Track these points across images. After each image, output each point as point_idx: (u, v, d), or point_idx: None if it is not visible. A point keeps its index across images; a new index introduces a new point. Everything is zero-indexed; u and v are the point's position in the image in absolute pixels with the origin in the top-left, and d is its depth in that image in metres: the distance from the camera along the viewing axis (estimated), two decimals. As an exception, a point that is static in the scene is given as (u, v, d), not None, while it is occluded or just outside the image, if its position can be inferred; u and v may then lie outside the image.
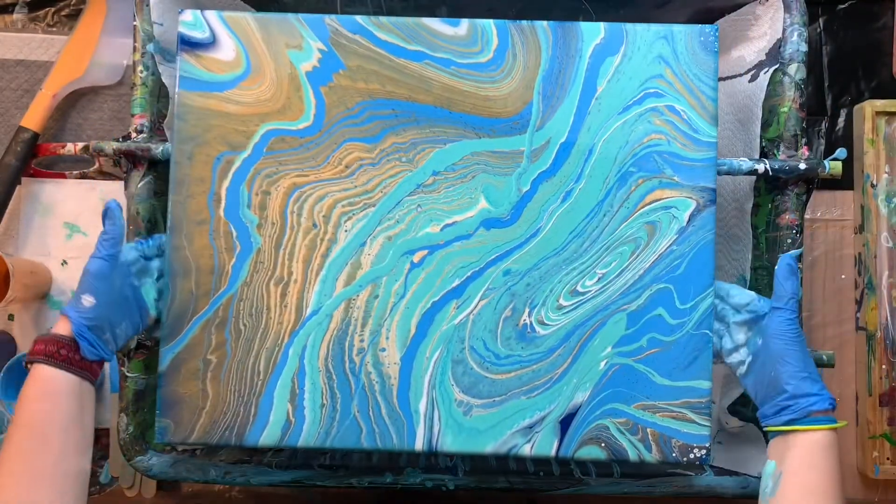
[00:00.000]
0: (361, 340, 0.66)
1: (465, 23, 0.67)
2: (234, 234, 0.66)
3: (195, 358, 0.65)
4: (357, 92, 0.67)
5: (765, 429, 0.61)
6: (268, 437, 0.65)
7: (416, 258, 0.66)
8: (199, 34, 0.67)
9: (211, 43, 0.67)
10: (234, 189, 0.66)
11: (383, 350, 0.66)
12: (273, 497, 0.86)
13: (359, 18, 0.67)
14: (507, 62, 0.67)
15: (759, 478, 0.68)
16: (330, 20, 0.67)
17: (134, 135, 0.71)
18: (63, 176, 0.88)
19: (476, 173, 0.66)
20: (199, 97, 0.66)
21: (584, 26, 0.67)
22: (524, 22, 0.67)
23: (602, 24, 0.67)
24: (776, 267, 0.63)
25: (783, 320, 0.61)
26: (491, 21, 0.67)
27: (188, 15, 0.67)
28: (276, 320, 0.66)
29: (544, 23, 0.67)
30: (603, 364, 0.65)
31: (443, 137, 0.67)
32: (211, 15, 0.67)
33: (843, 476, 0.82)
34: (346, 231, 0.66)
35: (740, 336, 0.64)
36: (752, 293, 0.64)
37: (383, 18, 0.67)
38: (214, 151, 0.66)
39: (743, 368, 0.64)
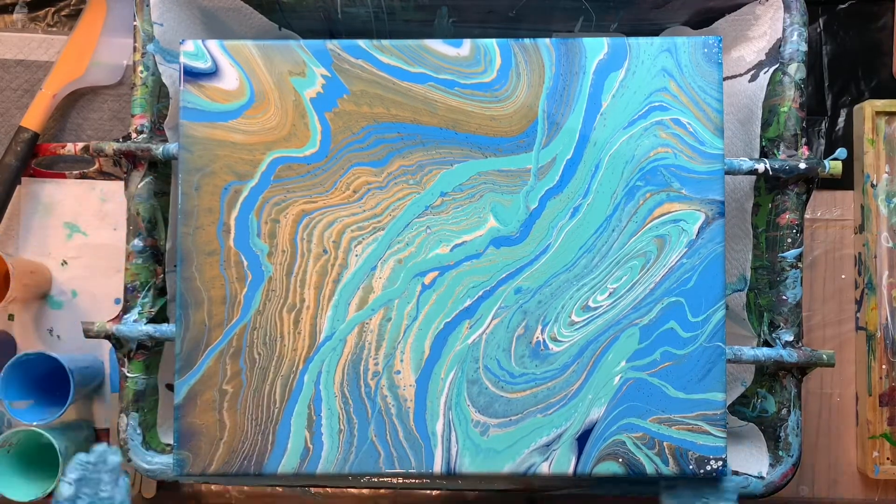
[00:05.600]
0: (376, 364, 0.66)
1: (467, 43, 0.67)
2: (245, 263, 0.66)
3: (211, 389, 0.65)
4: (362, 116, 0.66)
5: None
6: (286, 464, 0.65)
7: (427, 280, 0.66)
8: (201, 64, 0.66)
9: (213, 73, 0.66)
10: (242, 218, 0.66)
11: (398, 373, 0.66)
12: (273, 497, 0.87)
13: (361, 43, 0.66)
14: (511, 81, 0.66)
15: (759, 477, 0.69)
16: (332, 45, 0.66)
17: (134, 135, 0.71)
18: (63, 176, 0.88)
19: (484, 192, 0.66)
20: (203, 128, 0.66)
21: (587, 42, 0.66)
22: (527, 40, 0.67)
23: (605, 40, 0.67)
24: None
25: None
26: (493, 41, 0.67)
27: (189, 45, 0.66)
28: (290, 347, 0.66)
29: (547, 40, 0.67)
30: (617, 379, 0.66)
31: (449, 158, 0.66)
32: (212, 44, 0.66)
33: (844, 476, 0.84)
34: (356, 256, 0.66)
35: None
36: None
37: (385, 42, 0.67)
38: (222, 182, 0.66)
39: None
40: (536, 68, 0.66)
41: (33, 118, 0.85)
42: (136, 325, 0.69)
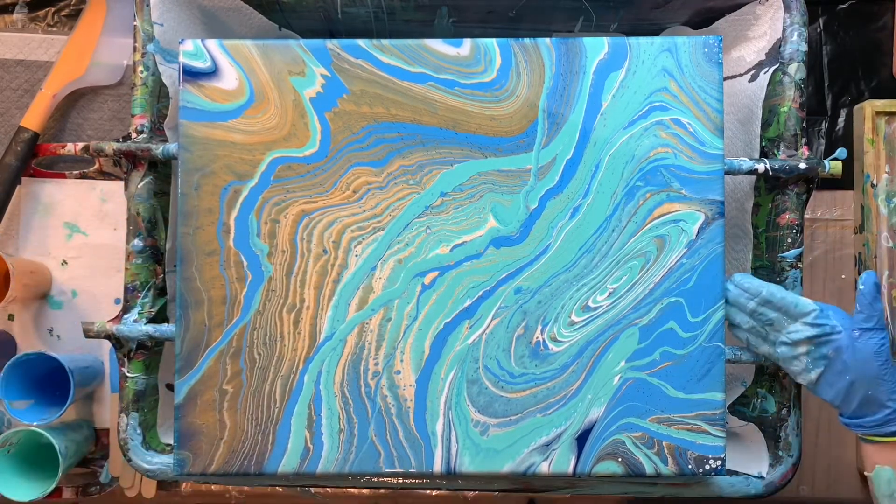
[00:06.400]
0: (376, 364, 0.66)
1: (467, 43, 0.67)
2: (245, 263, 0.66)
3: (211, 389, 0.65)
4: (362, 116, 0.66)
5: (865, 438, 0.64)
6: (286, 464, 0.65)
7: (427, 280, 0.66)
8: (200, 64, 0.66)
9: (213, 72, 0.66)
10: (242, 218, 0.66)
11: (398, 373, 0.66)
12: (272, 497, 0.87)
13: (361, 42, 0.66)
14: (511, 81, 0.66)
15: (759, 477, 0.69)
16: (332, 45, 0.66)
17: (134, 135, 0.71)
18: (63, 176, 0.88)
19: (484, 193, 0.67)
20: (203, 127, 0.66)
21: (588, 42, 0.66)
22: (527, 40, 0.67)
23: (605, 39, 0.67)
24: (861, 285, 0.63)
25: (877, 342, 0.62)
26: (493, 40, 0.67)
27: (189, 44, 0.66)
28: (290, 347, 0.66)
29: (547, 40, 0.67)
30: (617, 379, 0.66)
31: (449, 158, 0.66)
32: (211, 44, 0.66)
33: (844, 476, 0.84)
34: (356, 256, 0.66)
35: (800, 348, 0.64)
36: (812, 303, 0.64)
37: (385, 41, 0.67)
38: (221, 182, 0.66)
39: (810, 377, 0.65)
40: (536, 68, 0.66)
41: (33, 118, 0.85)
42: (136, 325, 0.69)
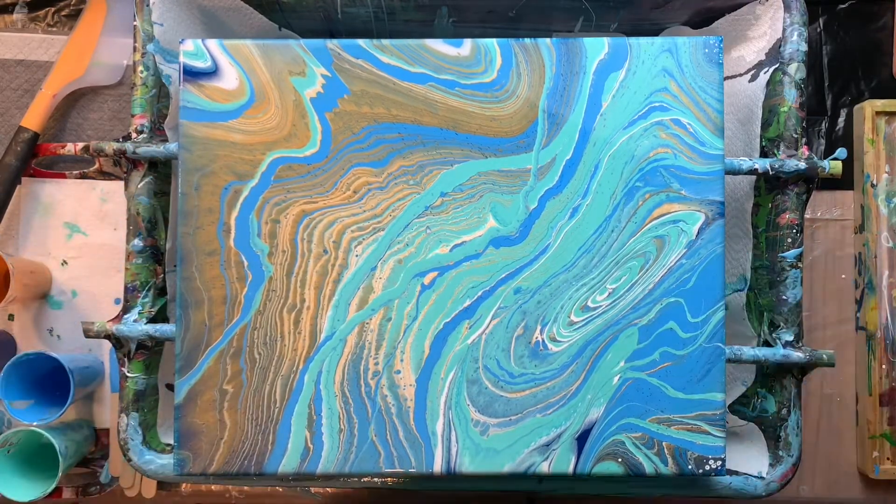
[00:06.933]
0: (376, 363, 0.66)
1: (467, 43, 0.67)
2: (245, 263, 0.66)
3: (211, 389, 0.65)
4: (362, 117, 0.66)
5: None
6: (287, 464, 0.65)
7: (426, 280, 0.66)
8: (200, 63, 0.66)
9: (213, 72, 0.66)
10: (243, 218, 0.66)
11: (398, 372, 0.66)
12: (272, 497, 0.87)
13: (361, 42, 0.67)
14: (512, 81, 0.66)
15: (759, 477, 0.69)
16: (332, 45, 0.67)
17: (134, 135, 0.71)
18: (63, 176, 0.88)
19: (483, 193, 0.67)
20: (203, 127, 0.66)
21: (588, 42, 0.66)
22: (527, 40, 0.67)
23: (605, 40, 0.67)
24: None
25: None
26: (494, 40, 0.67)
27: (189, 44, 0.66)
28: (290, 347, 0.66)
29: (547, 40, 0.67)
30: (616, 379, 0.66)
31: (449, 159, 0.66)
32: (212, 43, 0.66)
33: (844, 476, 0.84)
34: (356, 256, 0.66)
35: None
36: None
37: (386, 41, 0.67)
38: (222, 182, 0.66)
39: None
40: (537, 68, 0.66)
41: (33, 118, 0.86)
42: (136, 325, 0.69)
